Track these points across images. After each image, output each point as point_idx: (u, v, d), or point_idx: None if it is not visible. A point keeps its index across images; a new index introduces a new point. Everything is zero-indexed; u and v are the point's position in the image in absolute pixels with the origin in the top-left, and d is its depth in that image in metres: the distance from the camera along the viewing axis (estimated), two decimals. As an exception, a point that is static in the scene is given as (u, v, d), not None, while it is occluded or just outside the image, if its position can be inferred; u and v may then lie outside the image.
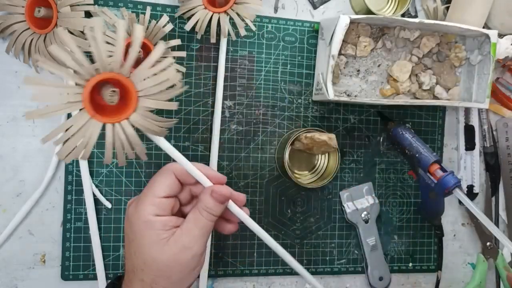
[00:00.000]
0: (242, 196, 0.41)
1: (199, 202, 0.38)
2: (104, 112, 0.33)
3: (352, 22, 0.49)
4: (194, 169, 0.38)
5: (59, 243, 0.50)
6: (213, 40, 0.49)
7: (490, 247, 0.60)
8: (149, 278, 0.37)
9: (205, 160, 0.53)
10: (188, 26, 0.48)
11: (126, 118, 0.33)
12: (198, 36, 0.49)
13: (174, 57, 0.49)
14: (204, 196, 0.38)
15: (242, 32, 0.49)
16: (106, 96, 0.32)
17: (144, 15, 0.47)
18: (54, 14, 0.44)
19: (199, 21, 0.48)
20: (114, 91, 0.32)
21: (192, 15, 0.48)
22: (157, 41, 0.48)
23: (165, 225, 0.37)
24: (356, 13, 0.56)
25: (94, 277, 0.50)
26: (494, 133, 0.62)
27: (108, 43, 0.46)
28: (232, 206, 0.40)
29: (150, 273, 0.36)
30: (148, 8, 0.48)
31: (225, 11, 0.48)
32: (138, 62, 0.47)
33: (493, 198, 0.63)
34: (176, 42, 0.49)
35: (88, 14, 0.48)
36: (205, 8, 0.48)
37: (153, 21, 0.47)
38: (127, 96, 0.33)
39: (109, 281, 0.49)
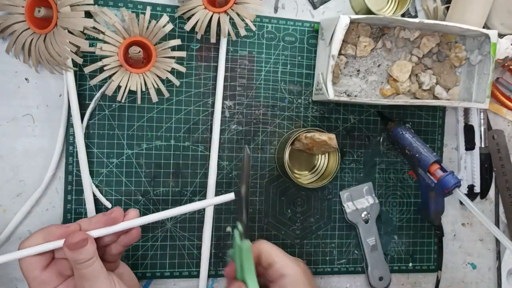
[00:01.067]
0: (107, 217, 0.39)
1: (72, 264, 0.37)
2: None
3: (352, 22, 0.49)
4: (38, 249, 0.37)
5: (59, 243, 0.50)
6: (213, 40, 0.49)
7: None
8: None
9: (205, 160, 0.53)
10: (188, 26, 0.48)
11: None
12: (198, 36, 0.49)
13: (174, 57, 0.49)
14: (65, 253, 0.37)
15: (242, 32, 0.49)
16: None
17: (144, 15, 0.47)
18: (54, 14, 0.44)
19: (199, 21, 0.48)
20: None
21: (192, 15, 0.48)
22: (157, 41, 0.48)
23: (51, 277, 0.37)
24: (356, 13, 0.56)
25: (94, 277, 0.50)
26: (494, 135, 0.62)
27: (107, 43, 0.46)
28: (94, 234, 0.38)
29: None
30: (148, 8, 0.48)
31: (225, 11, 0.48)
32: (138, 62, 0.47)
33: (494, 199, 0.63)
34: (176, 42, 0.49)
35: (88, 14, 0.48)
36: (205, 8, 0.48)
37: (153, 21, 0.47)
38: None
39: None
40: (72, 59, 0.46)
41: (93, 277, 0.37)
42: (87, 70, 0.46)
